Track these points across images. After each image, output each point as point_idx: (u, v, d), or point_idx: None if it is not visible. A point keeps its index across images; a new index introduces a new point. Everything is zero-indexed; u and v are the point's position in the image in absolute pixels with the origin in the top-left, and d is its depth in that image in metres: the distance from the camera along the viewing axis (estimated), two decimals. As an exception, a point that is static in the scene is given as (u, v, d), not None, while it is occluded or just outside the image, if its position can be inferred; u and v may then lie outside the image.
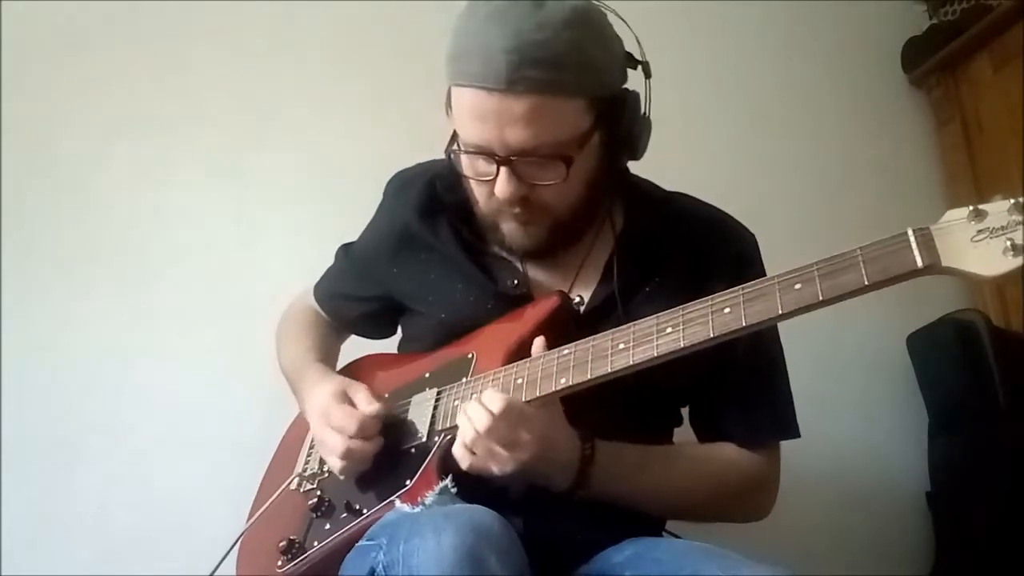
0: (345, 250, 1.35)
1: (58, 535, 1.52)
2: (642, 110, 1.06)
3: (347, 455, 1.04)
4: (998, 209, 0.76)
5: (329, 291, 1.35)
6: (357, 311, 1.31)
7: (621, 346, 0.91)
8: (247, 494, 1.28)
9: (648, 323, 0.91)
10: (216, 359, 1.64)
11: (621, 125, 1.03)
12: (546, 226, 1.05)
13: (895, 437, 1.90)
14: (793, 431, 1.13)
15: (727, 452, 1.10)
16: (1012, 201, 0.75)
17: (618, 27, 1.06)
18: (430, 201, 1.17)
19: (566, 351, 0.96)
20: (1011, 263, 0.73)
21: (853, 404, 1.90)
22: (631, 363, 0.89)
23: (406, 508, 0.94)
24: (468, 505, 0.89)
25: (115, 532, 1.53)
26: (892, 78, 2.17)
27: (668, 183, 1.25)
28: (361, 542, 0.94)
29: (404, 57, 1.84)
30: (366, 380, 1.20)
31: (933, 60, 2.09)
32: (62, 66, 1.70)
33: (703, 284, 0.97)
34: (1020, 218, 0.74)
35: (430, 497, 0.93)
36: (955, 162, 2.08)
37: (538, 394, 0.95)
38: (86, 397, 1.59)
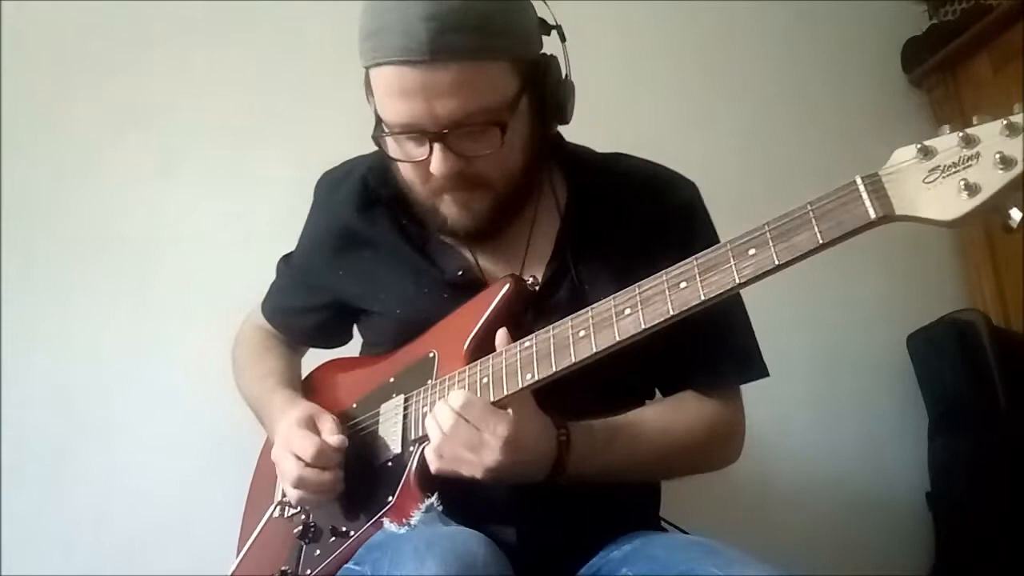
0: (285, 261, 1.30)
1: (57, 535, 1.51)
2: (563, 73, 1.03)
3: (300, 483, 0.99)
4: (947, 144, 0.70)
5: (276, 307, 1.30)
6: (307, 323, 1.26)
7: (582, 334, 0.88)
8: (246, 495, 1.28)
9: (606, 306, 0.88)
10: (216, 359, 1.63)
11: (547, 88, 1.01)
12: (487, 202, 1.01)
13: (895, 437, 1.90)
14: (758, 370, 1.10)
15: (691, 405, 1.08)
16: (960, 134, 0.69)
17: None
18: (365, 195, 1.13)
19: (527, 343, 0.93)
20: (967, 204, 0.67)
21: (853, 404, 1.90)
22: (594, 350, 0.87)
23: (393, 528, 0.92)
24: (454, 528, 0.87)
25: (114, 532, 1.53)
26: (892, 78, 2.18)
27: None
28: (348, 565, 0.92)
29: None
30: (328, 389, 1.18)
31: (933, 60, 2.10)
32: (62, 65, 1.70)
33: (654, 240, 0.94)
34: (971, 152, 0.68)
35: (416, 516, 0.91)
36: (955, 162, 2.08)
37: (506, 392, 0.93)
38: (86, 397, 1.59)
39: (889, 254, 1.97)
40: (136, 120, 1.72)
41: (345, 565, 0.93)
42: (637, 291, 0.86)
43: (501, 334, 0.97)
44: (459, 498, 0.94)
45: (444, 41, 0.89)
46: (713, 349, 1.08)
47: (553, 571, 0.99)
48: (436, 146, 0.94)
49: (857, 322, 1.94)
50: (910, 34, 2.17)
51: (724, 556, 0.87)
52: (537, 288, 1.05)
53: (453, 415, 0.90)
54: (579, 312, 0.90)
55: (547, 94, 1.01)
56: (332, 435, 1.01)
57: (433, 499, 0.92)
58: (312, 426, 1.04)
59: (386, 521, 0.94)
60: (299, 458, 0.99)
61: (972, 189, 0.67)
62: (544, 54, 1.02)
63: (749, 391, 1.15)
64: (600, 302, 0.89)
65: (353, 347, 1.29)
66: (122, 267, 1.66)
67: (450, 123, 0.92)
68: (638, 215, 1.08)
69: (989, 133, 0.68)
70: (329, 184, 1.22)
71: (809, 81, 2.10)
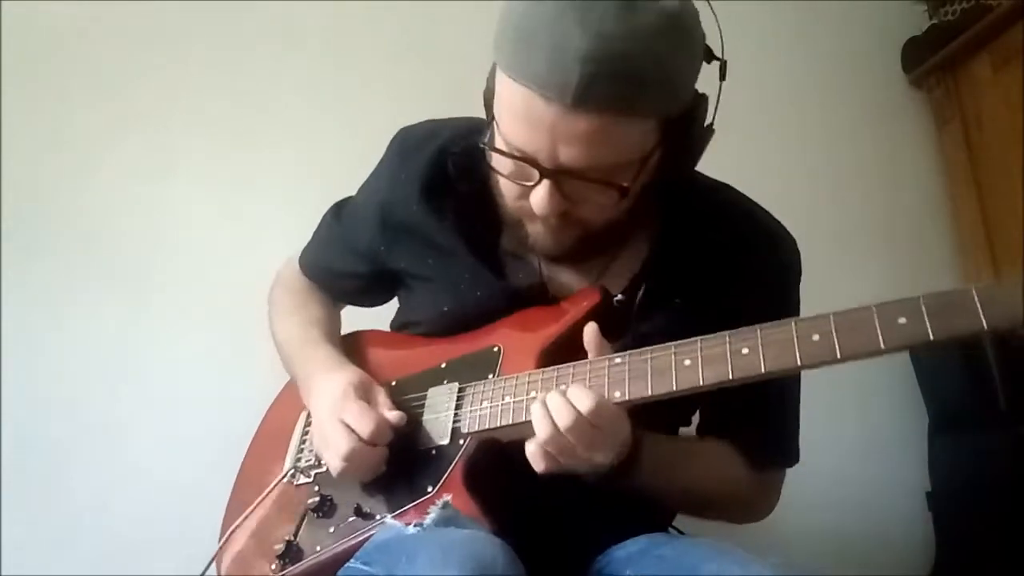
0: (336, 213, 1.20)
1: (57, 535, 1.51)
2: (709, 119, 0.93)
3: (351, 457, 0.93)
4: None
5: (316, 263, 1.22)
6: (347, 286, 1.20)
7: (687, 362, 0.81)
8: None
9: (718, 340, 0.81)
10: (215, 358, 1.64)
11: (687, 139, 0.91)
12: (576, 236, 0.94)
13: (895, 437, 1.90)
14: (794, 459, 1.09)
15: (739, 458, 1.04)
16: None
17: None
18: (437, 180, 1.03)
19: (617, 360, 0.86)
20: None
21: (853, 404, 1.90)
22: (700, 383, 0.81)
23: (398, 525, 0.88)
24: (470, 532, 0.84)
25: (114, 532, 1.53)
26: (892, 78, 2.18)
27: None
28: (352, 563, 0.87)
29: (406, 56, 1.85)
30: (365, 359, 1.11)
31: (933, 60, 2.10)
32: (62, 66, 1.70)
33: (741, 292, 0.90)
34: None
35: (432, 515, 0.87)
36: (955, 162, 2.08)
37: None
38: (86, 397, 1.59)
39: (889, 254, 1.97)
40: (136, 120, 1.72)
41: (348, 564, 0.88)
42: (758, 331, 0.80)
43: (595, 338, 0.89)
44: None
45: (594, 91, 0.78)
46: (770, 427, 1.05)
47: (555, 569, 0.97)
48: (544, 182, 0.86)
49: (857, 322, 1.94)
50: (910, 34, 2.17)
51: (730, 556, 0.86)
52: (620, 306, 0.99)
53: (574, 413, 0.81)
54: (685, 340, 0.83)
55: (685, 146, 0.92)
56: (391, 411, 0.96)
57: (448, 498, 0.89)
58: (366, 397, 0.98)
59: (389, 519, 0.92)
60: (352, 431, 0.93)
61: None
62: (696, 94, 0.91)
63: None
64: (712, 335, 0.82)
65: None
66: (122, 267, 1.66)
67: (568, 170, 0.85)
68: (733, 261, 1.00)
69: None
70: (404, 147, 1.10)
71: (809, 81, 2.10)
